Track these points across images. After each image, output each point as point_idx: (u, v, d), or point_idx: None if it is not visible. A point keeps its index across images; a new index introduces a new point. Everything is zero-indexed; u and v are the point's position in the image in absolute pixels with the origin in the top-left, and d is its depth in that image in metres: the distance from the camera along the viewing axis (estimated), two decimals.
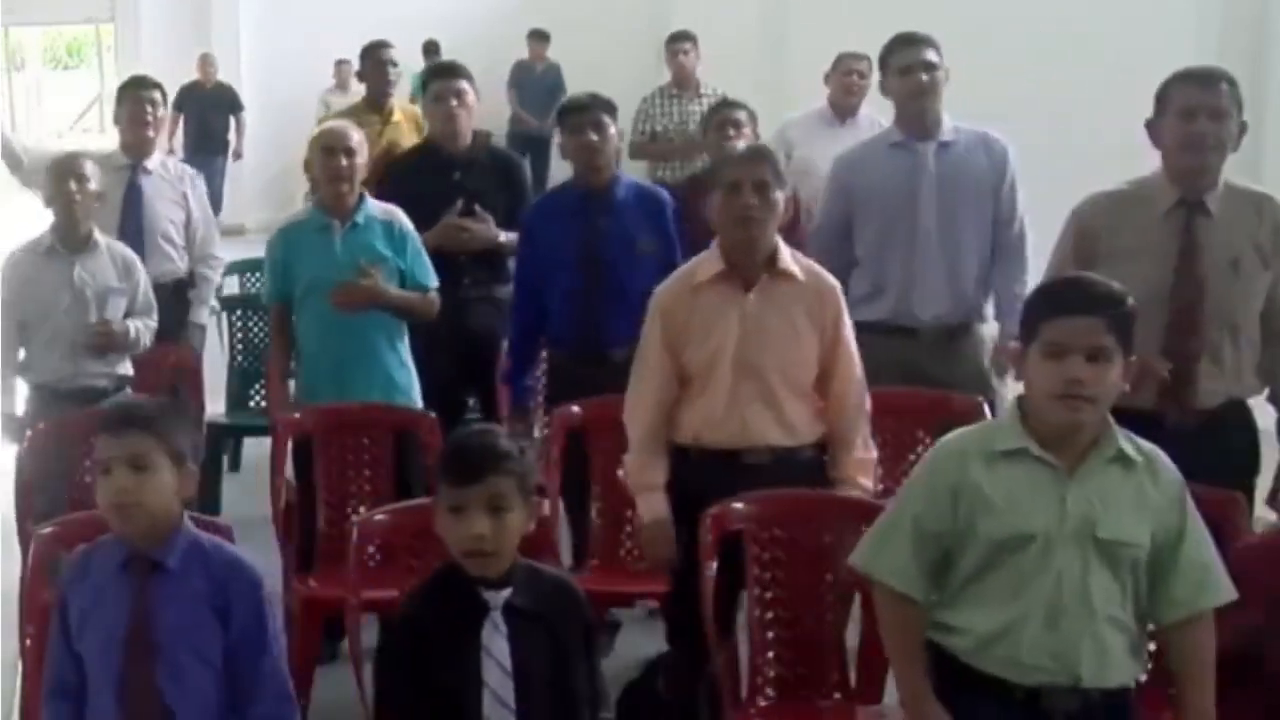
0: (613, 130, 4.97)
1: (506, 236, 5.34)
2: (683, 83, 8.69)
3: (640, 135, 8.76)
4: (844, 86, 7.08)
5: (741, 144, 5.43)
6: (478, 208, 5.36)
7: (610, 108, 5.00)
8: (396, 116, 6.83)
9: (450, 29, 14.86)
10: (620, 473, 4.13)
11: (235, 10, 15.25)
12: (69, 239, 5.00)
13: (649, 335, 3.95)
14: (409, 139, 6.65)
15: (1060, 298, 2.92)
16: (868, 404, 3.95)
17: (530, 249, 5.02)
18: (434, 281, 4.99)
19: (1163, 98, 3.88)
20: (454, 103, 5.47)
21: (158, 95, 5.97)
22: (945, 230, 4.80)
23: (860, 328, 4.08)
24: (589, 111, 4.98)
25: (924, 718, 2.93)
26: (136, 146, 5.90)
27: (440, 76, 5.64)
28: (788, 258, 3.89)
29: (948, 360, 4.79)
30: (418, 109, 7.76)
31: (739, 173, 3.85)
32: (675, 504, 3.82)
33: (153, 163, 5.97)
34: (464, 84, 5.52)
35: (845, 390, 3.90)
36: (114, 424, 2.95)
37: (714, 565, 3.59)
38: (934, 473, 2.97)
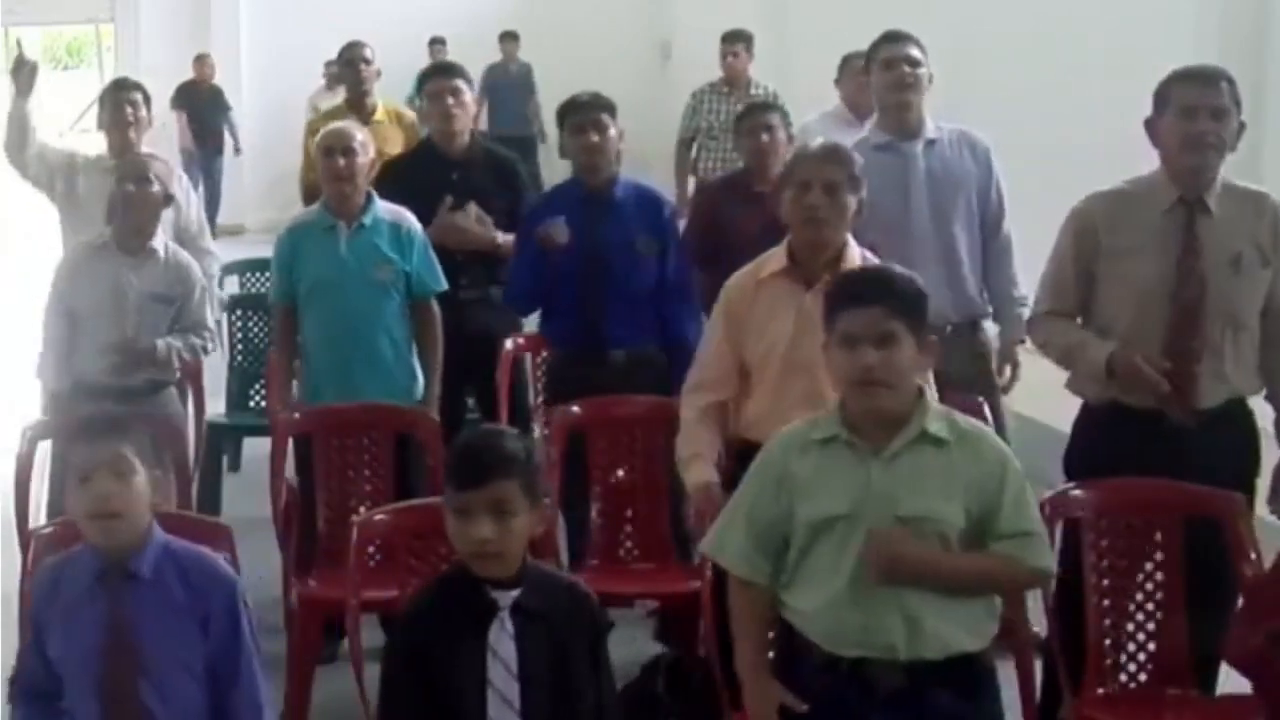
0: (613, 131, 4.95)
1: (504, 238, 5.33)
2: (734, 81, 8.79)
3: (687, 131, 8.83)
4: (860, 85, 7.02)
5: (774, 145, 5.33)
6: (475, 206, 5.34)
7: (611, 108, 4.98)
8: (379, 116, 6.82)
9: (449, 30, 14.87)
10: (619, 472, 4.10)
11: (235, 10, 15.25)
12: (124, 241, 4.95)
13: (713, 324, 4.01)
14: (393, 137, 6.65)
15: (848, 290, 3.06)
16: None
17: (529, 249, 4.98)
18: (441, 285, 5.00)
19: (1162, 96, 3.85)
20: (450, 101, 5.45)
21: (138, 96, 5.90)
22: (940, 230, 4.75)
23: None
24: (590, 111, 4.95)
25: (757, 690, 3.06)
26: (121, 148, 5.85)
27: (436, 76, 5.64)
28: (855, 259, 3.86)
29: (958, 360, 4.61)
30: (401, 107, 7.79)
31: (809, 172, 3.84)
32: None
33: None
34: (460, 83, 5.51)
35: None
36: (92, 432, 2.94)
37: None
38: (764, 464, 3.12)
